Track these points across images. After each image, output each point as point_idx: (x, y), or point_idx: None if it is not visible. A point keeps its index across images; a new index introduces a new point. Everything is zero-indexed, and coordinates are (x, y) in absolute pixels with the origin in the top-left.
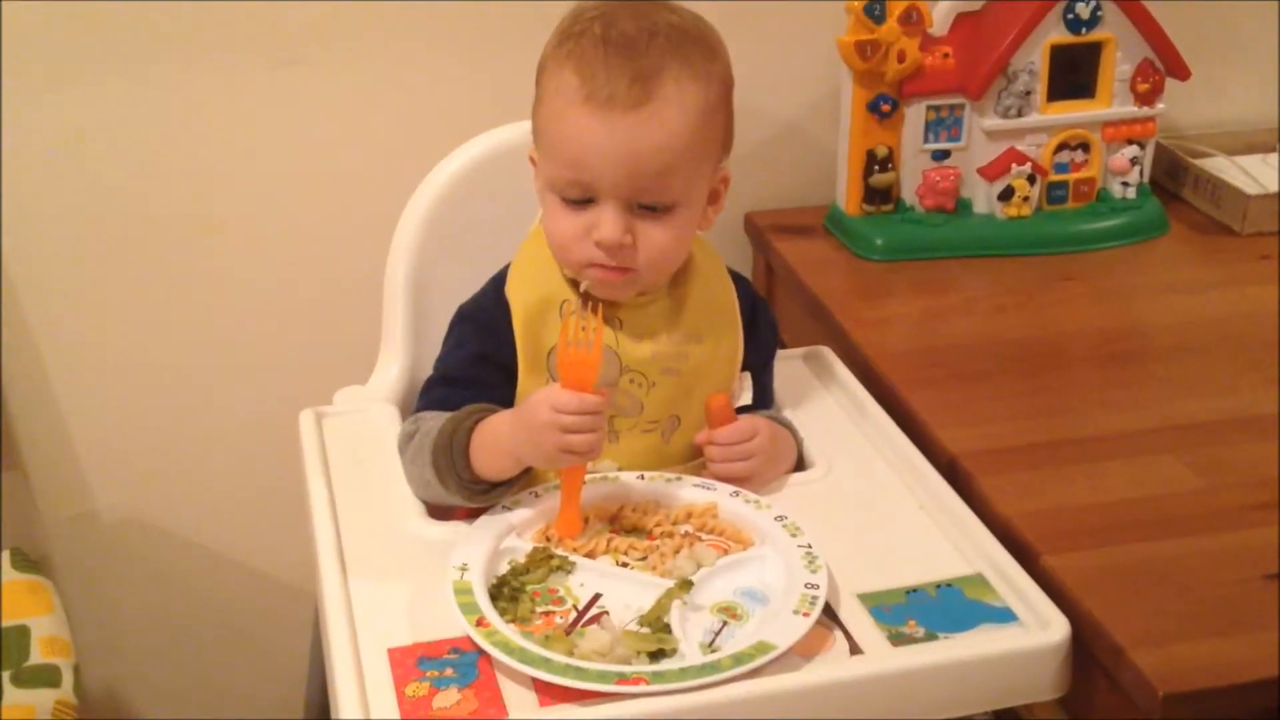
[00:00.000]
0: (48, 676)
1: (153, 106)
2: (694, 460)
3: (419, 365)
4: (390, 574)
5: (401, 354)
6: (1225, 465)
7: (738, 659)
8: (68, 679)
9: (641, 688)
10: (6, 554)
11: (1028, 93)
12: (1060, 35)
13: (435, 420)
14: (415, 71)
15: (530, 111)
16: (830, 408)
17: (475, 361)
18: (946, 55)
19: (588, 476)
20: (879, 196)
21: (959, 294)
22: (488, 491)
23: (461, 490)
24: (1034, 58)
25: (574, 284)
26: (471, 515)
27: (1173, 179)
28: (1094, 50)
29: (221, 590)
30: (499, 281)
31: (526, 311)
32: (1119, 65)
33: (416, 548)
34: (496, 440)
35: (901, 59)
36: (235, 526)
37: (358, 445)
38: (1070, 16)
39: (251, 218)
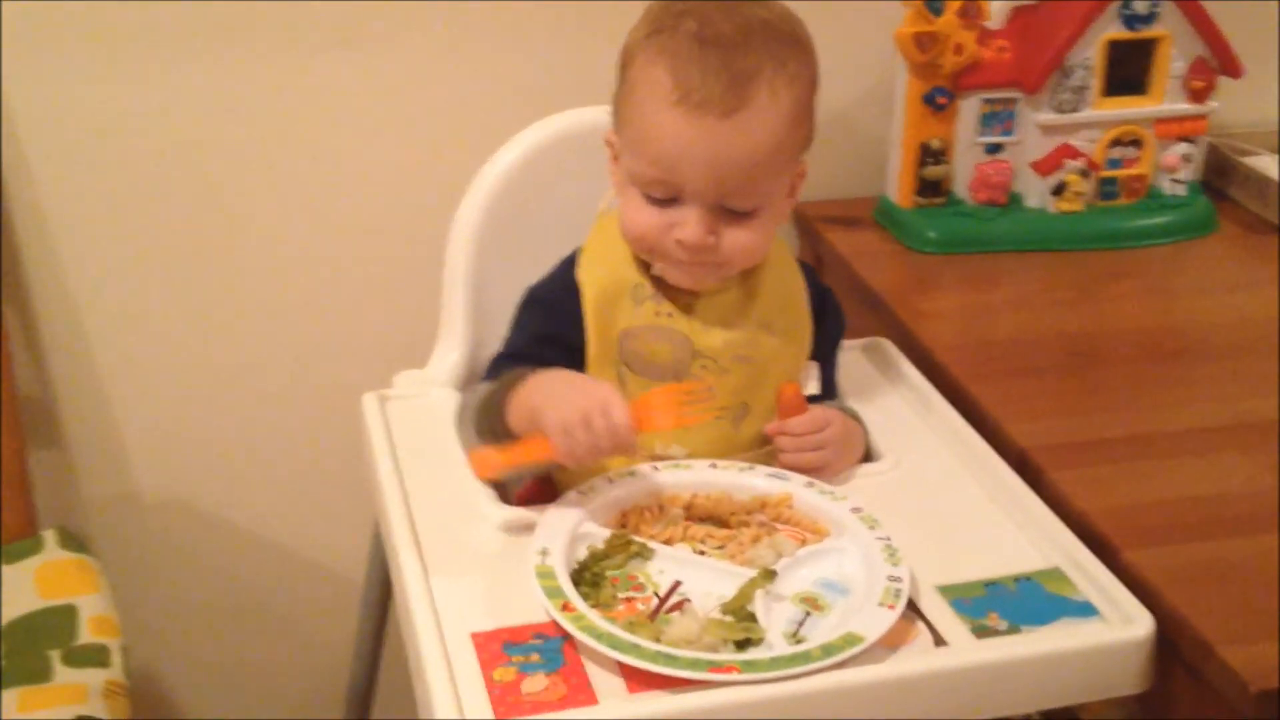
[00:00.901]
0: (97, 656)
1: (208, 88)
2: (762, 448)
3: (479, 350)
4: (466, 558)
5: (461, 340)
6: None
7: (827, 650)
8: (117, 659)
9: (733, 676)
10: (52, 532)
11: (1083, 88)
12: (1117, 31)
13: (489, 385)
14: (473, 56)
15: (609, 96)
16: (893, 399)
17: (540, 341)
18: (1003, 49)
19: (660, 464)
20: (931, 189)
21: (1013, 288)
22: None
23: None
24: (1090, 53)
25: (646, 267)
26: (531, 498)
27: (1220, 177)
28: (1149, 47)
29: (262, 575)
30: (569, 264)
31: (598, 294)
32: (1173, 62)
33: (490, 532)
34: (536, 388)
35: (959, 52)
36: (278, 511)
37: (422, 429)
38: (1127, 12)
39: (305, 201)
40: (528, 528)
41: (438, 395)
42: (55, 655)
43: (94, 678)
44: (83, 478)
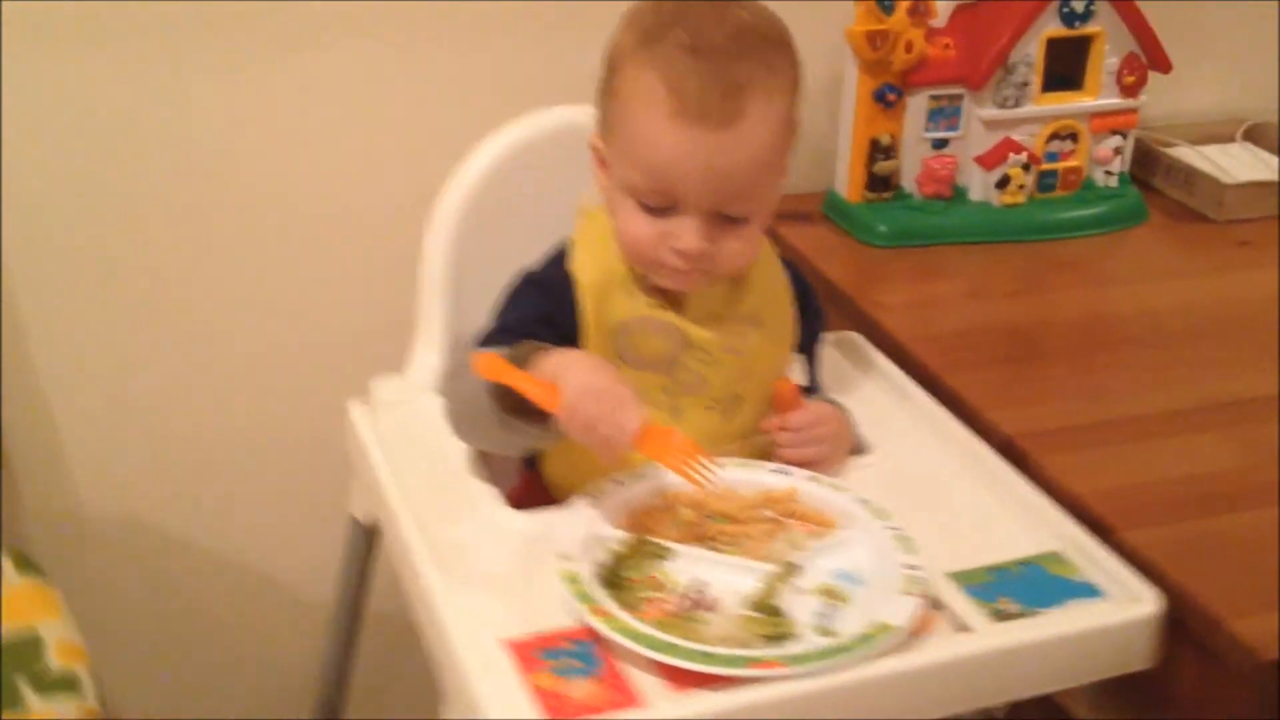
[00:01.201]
0: (68, 683)
1: (162, 90)
2: (752, 438)
3: (457, 353)
4: (484, 567)
5: (440, 342)
6: (1266, 443)
7: (863, 640)
8: (88, 685)
9: (778, 671)
10: (6, 557)
11: (1024, 84)
12: (1056, 28)
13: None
14: (444, 55)
15: (585, 96)
16: (870, 392)
17: (538, 320)
18: (948, 47)
19: None
20: (880, 184)
21: (965, 280)
22: (532, 425)
23: (502, 411)
24: (1031, 50)
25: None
26: (521, 499)
27: (1143, 168)
28: (1085, 43)
29: (218, 594)
30: (561, 256)
31: (595, 287)
32: (1107, 58)
33: (502, 538)
34: (573, 359)
35: (909, 49)
36: (232, 525)
37: (415, 436)
38: (1066, 10)
39: (267, 204)
40: (540, 532)
41: (424, 401)
42: (24, 684)
43: (67, 706)
44: (27, 498)
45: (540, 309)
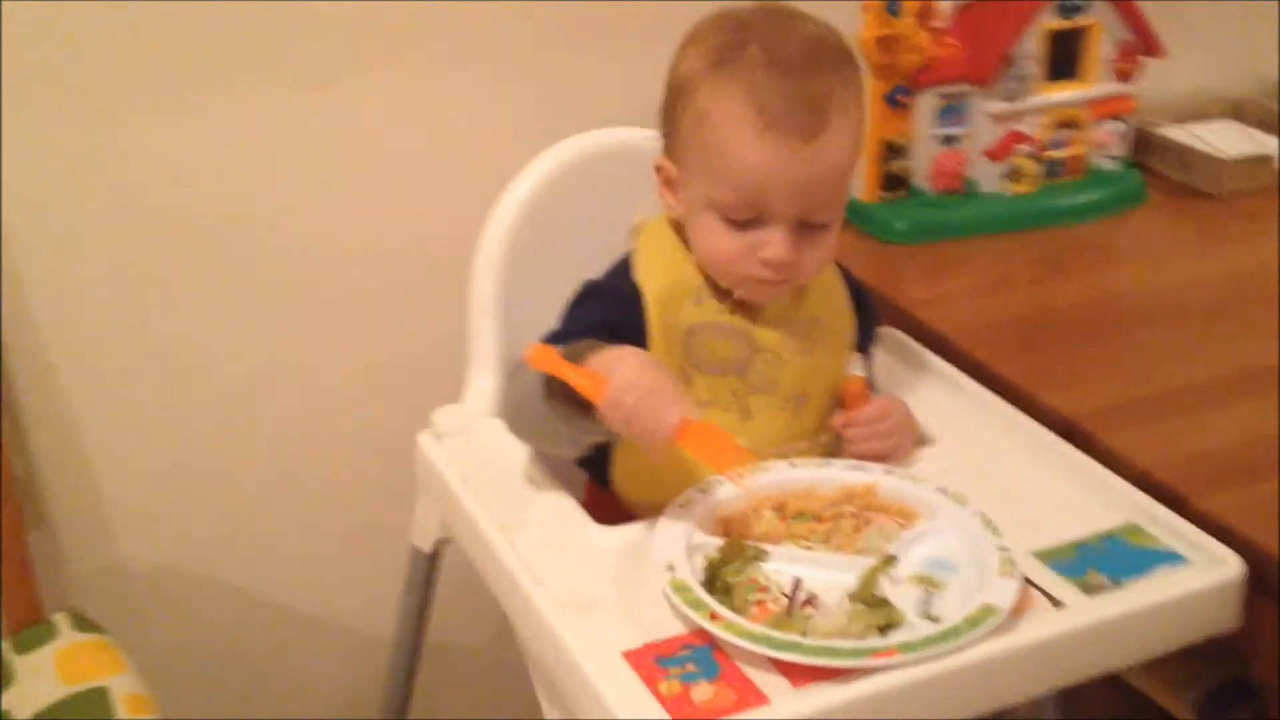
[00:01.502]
0: None
1: (189, 132)
2: (821, 435)
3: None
4: (582, 582)
5: (493, 368)
6: None
7: (972, 623)
8: None
9: (896, 659)
10: (63, 616)
11: (1027, 76)
12: (1055, 21)
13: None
14: (480, 85)
15: (617, 119)
16: (922, 385)
17: (600, 327)
18: (953, 45)
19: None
20: (895, 183)
21: (989, 270)
22: (581, 418)
23: (551, 401)
24: (1032, 44)
25: (710, 277)
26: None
27: (1139, 150)
28: (1082, 34)
29: (269, 635)
30: (624, 269)
31: (660, 296)
32: (1103, 47)
33: (595, 554)
34: (618, 356)
35: (917, 52)
36: (278, 569)
37: (487, 463)
38: (1064, 4)
39: (302, 248)
40: (629, 546)
41: (486, 427)
42: None
43: None
44: (72, 555)
45: (602, 317)
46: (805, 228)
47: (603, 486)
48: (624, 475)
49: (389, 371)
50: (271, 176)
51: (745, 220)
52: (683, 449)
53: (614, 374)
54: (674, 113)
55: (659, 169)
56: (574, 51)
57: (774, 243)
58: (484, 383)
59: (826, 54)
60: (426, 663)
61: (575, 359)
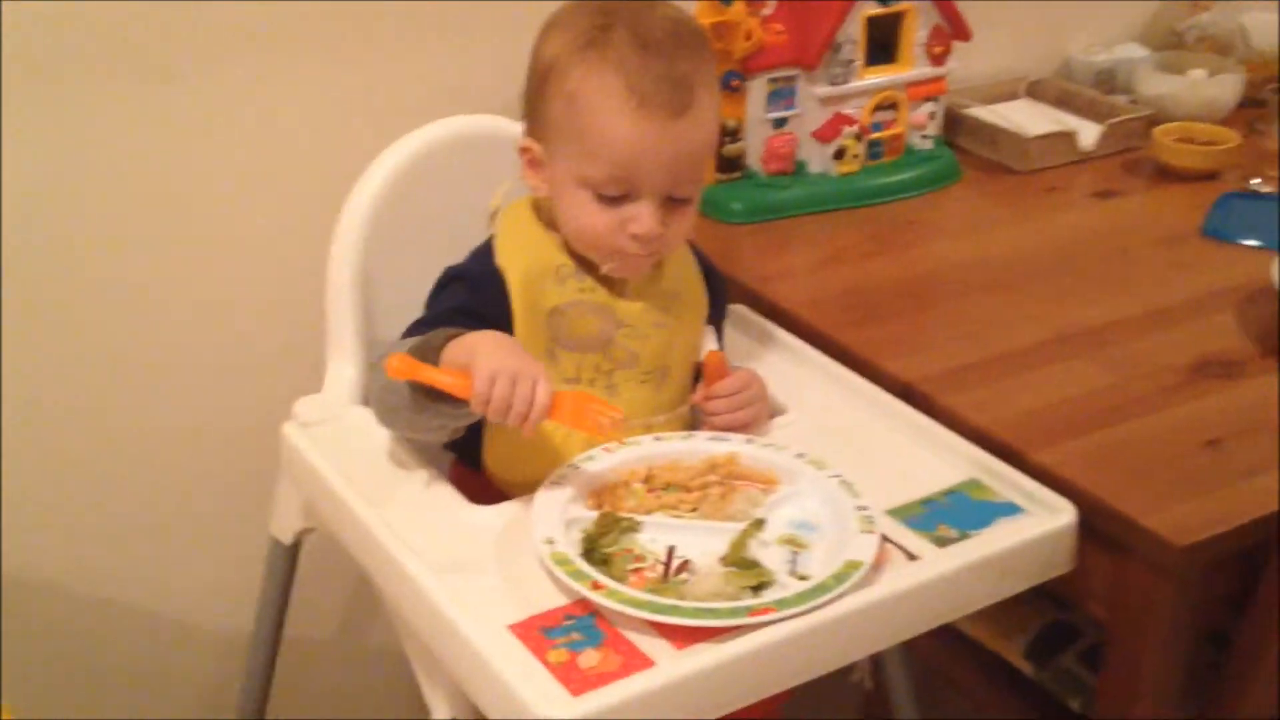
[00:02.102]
0: None
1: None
2: (682, 406)
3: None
4: (462, 559)
5: (354, 356)
6: (1124, 361)
7: (839, 578)
8: None
9: (773, 616)
10: None
11: (850, 61)
12: (873, 8)
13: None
14: (323, 78)
15: (524, 106)
16: (770, 357)
17: (460, 312)
18: (780, 32)
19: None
20: (730, 165)
21: (824, 246)
22: (437, 404)
23: (415, 399)
24: (854, 29)
25: (574, 253)
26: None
27: (949, 129)
28: (898, 19)
29: (117, 636)
30: (486, 253)
31: (522, 278)
32: (918, 31)
33: (472, 533)
34: (481, 340)
35: (749, 37)
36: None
37: (354, 450)
38: None
39: (149, 241)
40: (505, 523)
41: (350, 414)
42: None
43: None
44: None
45: (463, 302)
46: (670, 202)
47: (470, 468)
48: (496, 457)
49: (243, 366)
50: (120, 171)
51: (615, 196)
52: (558, 422)
53: (475, 364)
54: (541, 95)
55: (524, 150)
56: (421, 42)
57: (643, 216)
58: (345, 370)
59: (687, 36)
60: (281, 661)
61: (432, 351)
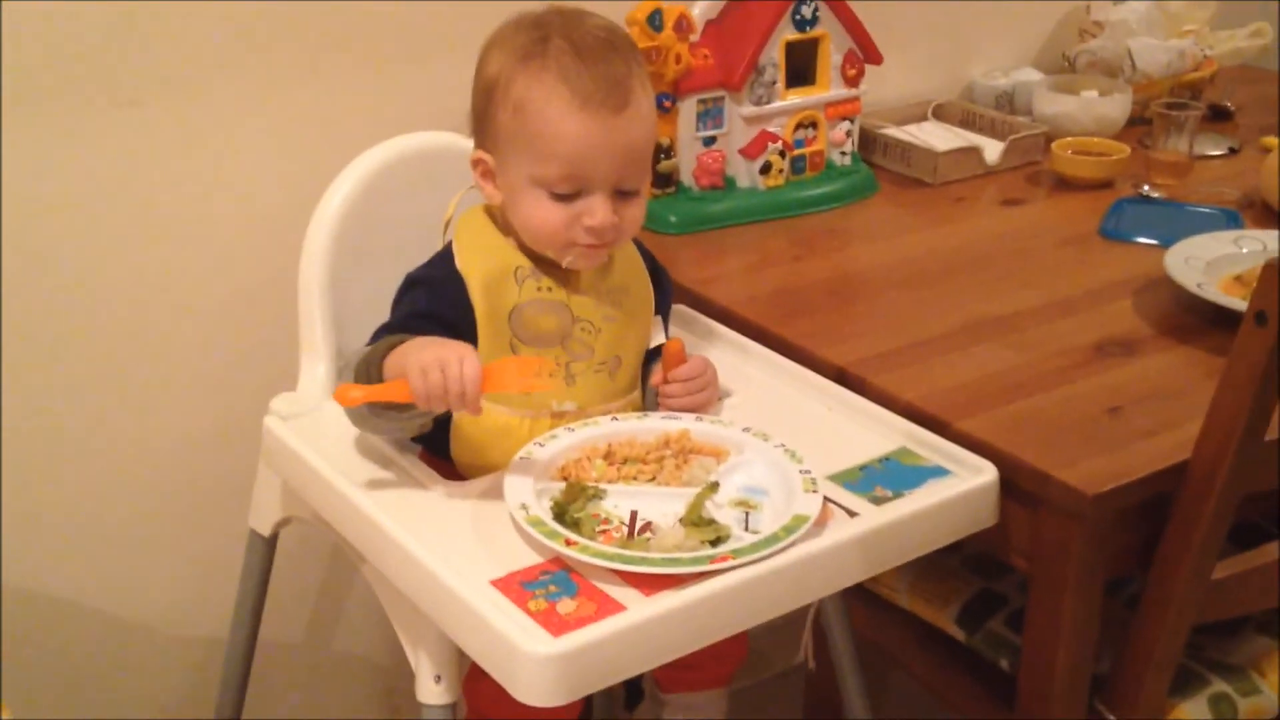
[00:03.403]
0: None
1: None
2: (633, 393)
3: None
4: (444, 529)
5: (324, 352)
6: (1033, 343)
7: (788, 529)
8: None
9: (731, 563)
10: None
11: (773, 83)
12: (792, 33)
13: (369, 347)
14: (289, 98)
15: (474, 121)
16: (712, 349)
17: (422, 316)
18: (707, 56)
19: (574, 425)
20: (664, 180)
21: (753, 253)
22: (390, 412)
23: (373, 409)
24: (775, 53)
25: (530, 255)
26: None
27: (863, 148)
28: (815, 44)
29: (95, 637)
30: (445, 258)
31: (483, 280)
32: (833, 56)
33: (448, 503)
34: (411, 344)
35: (678, 61)
36: (109, 570)
37: (334, 439)
38: (798, 17)
39: (123, 253)
40: (479, 496)
41: (330, 408)
42: None
43: None
44: None
45: (423, 306)
46: (620, 195)
47: (436, 455)
48: (461, 446)
49: (217, 371)
50: (101, 187)
51: (568, 193)
52: (498, 390)
53: (407, 367)
54: (489, 109)
55: (477, 162)
56: (378, 67)
57: (596, 209)
58: (318, 368)
59: (619, 42)
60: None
61: (376, 365)
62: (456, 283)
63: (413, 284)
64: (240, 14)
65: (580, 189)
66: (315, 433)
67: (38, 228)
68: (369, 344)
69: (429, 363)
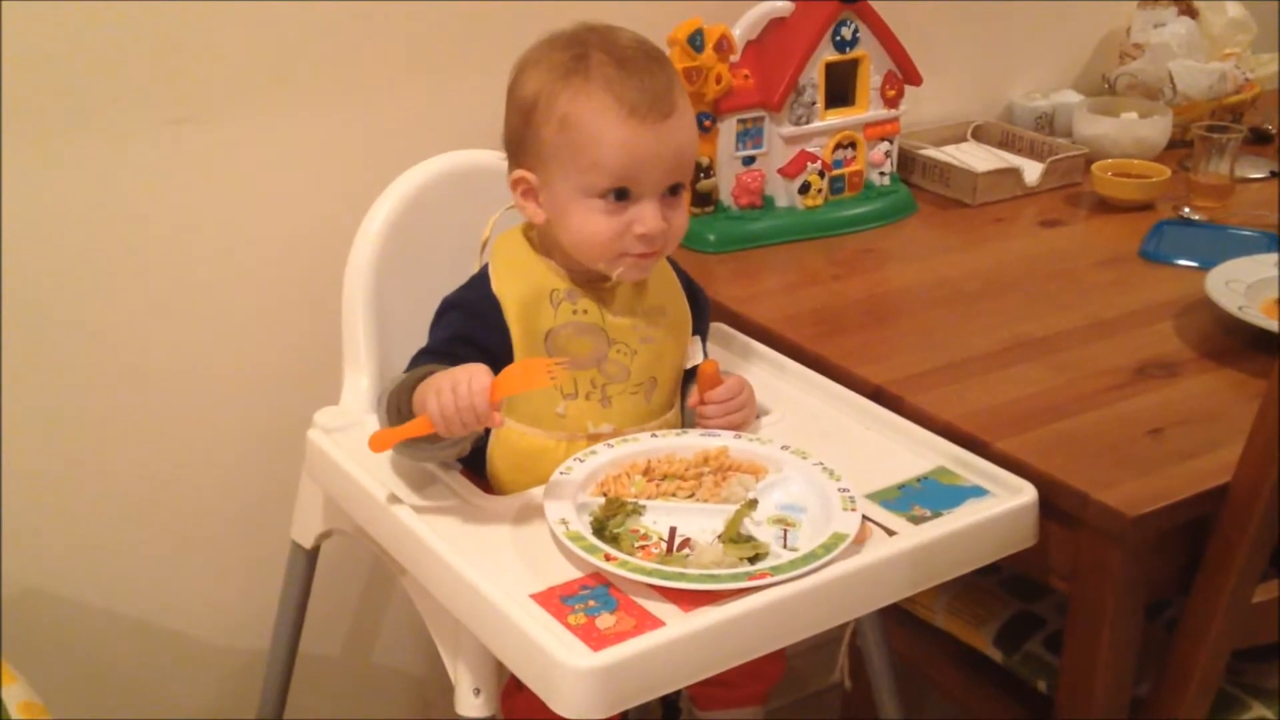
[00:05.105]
0: None
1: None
2: (669, 413)
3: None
4: (485, 542)
5: (367, 367)
6: (1072, 364)
7: (826, 547)
8: None
9: (769, 580)
10: None
11: (812, 103)
12: (831, 54)
13: (401, 377)
14: (330, 117)
15: (512, 142)
16: (750, 368)
17: (458, 341)
18: (747, 76)
19: (613, 441)
20: (703, 200)
21: (792, 272)
22: (420, 444)
23: (420, 447)
24: (814, 74)
25: (568, 276)
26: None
27: (903, 168)
28: (854, 65)
29: (137, 643)
30: (482, 281)
31: (520, 303)
32: (872, 77)
33: (490, 518)
34: (425, 385)
35: (719, 81)
36: (151, 578)
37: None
38: (838, 38)
39: (171, 266)
40: (518, 510)
41: (372, 422)
42: None
43: None
44: None
45: (460, 330)
46: (666, 202)
47: (476, 475)
48: (497, 468)
49: (260, 385)
50: (144, 203)
51: (621, 202)
52: (512, 392)
53: (425, 401)
54: (529, 127)
55: (518, 182)
56: (417, 86)
57: (647, 217)
58: (360, 382)
59: (654, 53)
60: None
61: (403, 400)
62: (492, 306)
63: (449, 308)
64: (286, 35)
65: (631, 196)
66: (358, 446)
67: (86, 243)
68: (406, 370)
69: (442, 386)
